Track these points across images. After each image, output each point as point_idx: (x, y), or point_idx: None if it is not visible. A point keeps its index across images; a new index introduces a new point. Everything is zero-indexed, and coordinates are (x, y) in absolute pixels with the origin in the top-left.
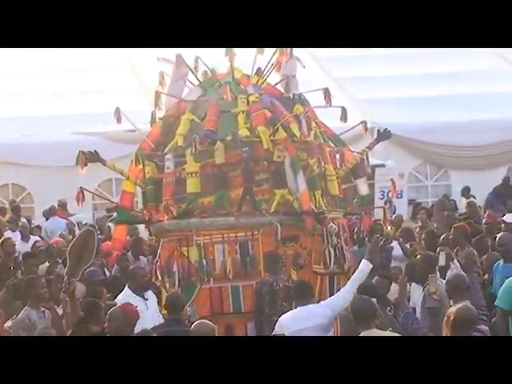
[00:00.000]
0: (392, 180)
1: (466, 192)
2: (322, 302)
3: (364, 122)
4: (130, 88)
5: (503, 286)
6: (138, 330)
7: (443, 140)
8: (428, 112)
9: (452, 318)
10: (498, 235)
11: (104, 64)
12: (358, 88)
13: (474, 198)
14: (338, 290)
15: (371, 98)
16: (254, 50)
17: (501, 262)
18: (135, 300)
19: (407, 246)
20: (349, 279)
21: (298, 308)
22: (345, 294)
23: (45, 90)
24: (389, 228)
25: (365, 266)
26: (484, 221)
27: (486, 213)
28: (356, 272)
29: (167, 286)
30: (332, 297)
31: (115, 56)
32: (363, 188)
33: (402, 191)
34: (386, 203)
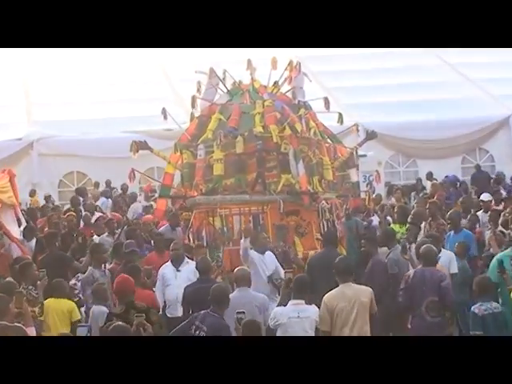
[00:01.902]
0: (377, 171)
1: (429, 176)
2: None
3: (356, 125)
4: (165, 96)
5: (492, 261)
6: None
7: (412, 135)
8: (400, 113)
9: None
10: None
11: (144, 78)
12: (345, 95)
13: (436, 180)
14: None
15: (355, 103)
16: (270, 64)
17: (451, 232)
18: (168, 269)
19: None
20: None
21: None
22: None
23: (99, 99)
24: (372, 205)
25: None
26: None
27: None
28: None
29: (199, 247)
30: None
31: (153, 71)
32: (354, 176)
33: (379, 176)
34: (367, 185)
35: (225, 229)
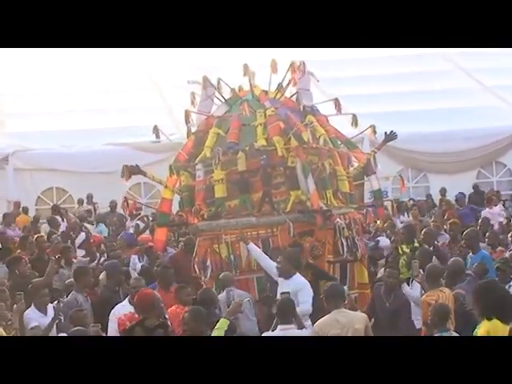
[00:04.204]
0: (401, 176)
1: (443, 192)
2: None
3: (373, 126)
4: (152, 105)
5: None
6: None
7: (423, 148)
8: (409, 124)
9: None
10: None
11: (130, 85)
12: (349, 103)
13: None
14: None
15: (360, 112)
16: (269, 68)
17: (470, 253)
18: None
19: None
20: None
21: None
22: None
23: (80, 108)
24: (378, 222)
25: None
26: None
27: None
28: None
29: (203, 278)
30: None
31: (140, 77)
32: (374, 183)
33: (387, 191)
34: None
35: (232, 257)
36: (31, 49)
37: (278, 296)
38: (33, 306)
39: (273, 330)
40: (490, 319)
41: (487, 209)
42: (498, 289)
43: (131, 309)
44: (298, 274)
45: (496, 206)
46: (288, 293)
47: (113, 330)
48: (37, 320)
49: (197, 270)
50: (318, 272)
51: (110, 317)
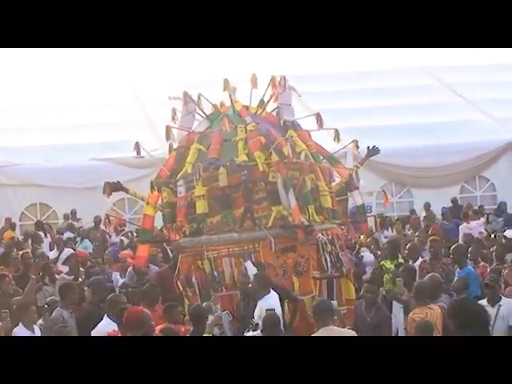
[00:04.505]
0: (384, 191)
1: (427, 207)
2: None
3: (355, 141)
4: (135, 120)
5: None
6: None
7: (406, 162)
8: (392, 139)
9: None
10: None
11: (113, 100)
12: (332, 118)
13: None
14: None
15: (343, 126)
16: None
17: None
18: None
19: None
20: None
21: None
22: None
23: (64, 123)
24: (361, 237)
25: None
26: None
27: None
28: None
29: (190, 295)
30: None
31: (123, 92)
32: (358, 199)
33: (371, 206)
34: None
35: (215, 273)
36: (16, 63)
37: (255, 315)
38: (21, 324)
39: None
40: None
41: (464, 223)
42: (471, 306)
43: (114, 326)
44: (269, 294)
45: (474, 220)
46: (273, 309)
47: None
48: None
49: (180, 287)
50: (283, 292)
51: (92, 334)
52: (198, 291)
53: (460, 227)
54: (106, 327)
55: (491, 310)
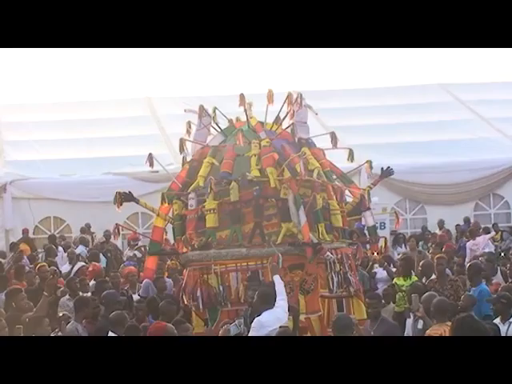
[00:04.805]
0: (396, 213)
1: (441, 224)
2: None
3: (369, 161)
4: (151, 134)
5: None
6: None
7: (421, 179)
8: (406, 156)
9: None
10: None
11: (129, 114)
12: (346, 135)
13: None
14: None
15: (357, 144)
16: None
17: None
18: None
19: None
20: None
21: (269, 311)
22: (284, 301)
23: (78, 137)
24: (375, 254)
25: (276, 278)
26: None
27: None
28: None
29: (193, 309)
30: (280, 302)
31: (139, 106)
32: (369, 220)
33: (384, 223)
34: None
35: (221, 288)
36: (31, 75)
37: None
38: None
39: None
40: None
41: (471, 241)
42: (473, 323)
43: None
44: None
45: (479, 236)
46: (287, 327)
47: None
48: None
49: (185, 300)
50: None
51: None
52: (201, 305)
53: (467, 245)
54: None
55: (503, 328)
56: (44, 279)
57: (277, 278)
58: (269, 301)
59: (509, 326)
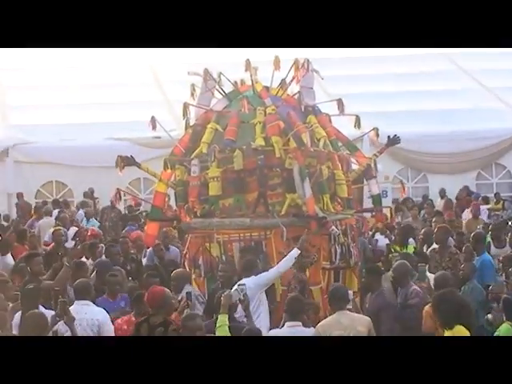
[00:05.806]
0: (401, 181)
1: (442, 193)
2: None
3: (376, 129)
4: (153, 100)
5: None
6: None
7: (423, 148)
8: (409, 124)
9: None
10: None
11: (131, 79)
12: (348, 103)
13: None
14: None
15: (359, 111)
16: (272, 64)
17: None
18: None
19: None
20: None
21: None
22: (274, 271)
23: (80, 102)
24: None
25: (294, 252)
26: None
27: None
28: (287, 256)
29: (193, 276)
30: (265, 272)
31: (141, 72)
32: (374, 188)
33: (386, 191)
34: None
35: (223, 257)
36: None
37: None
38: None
39: (281, 327)
40: (450, 328)
41: (466, 209)
42: (454, 298)
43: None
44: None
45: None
46: (244, 284)
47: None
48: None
49: (187, 268)
50: None
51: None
52: (203, 274)
53: (463, 214)
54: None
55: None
56: (59, 243)
57: (295, 252)
58: (248, 268)
59: None
